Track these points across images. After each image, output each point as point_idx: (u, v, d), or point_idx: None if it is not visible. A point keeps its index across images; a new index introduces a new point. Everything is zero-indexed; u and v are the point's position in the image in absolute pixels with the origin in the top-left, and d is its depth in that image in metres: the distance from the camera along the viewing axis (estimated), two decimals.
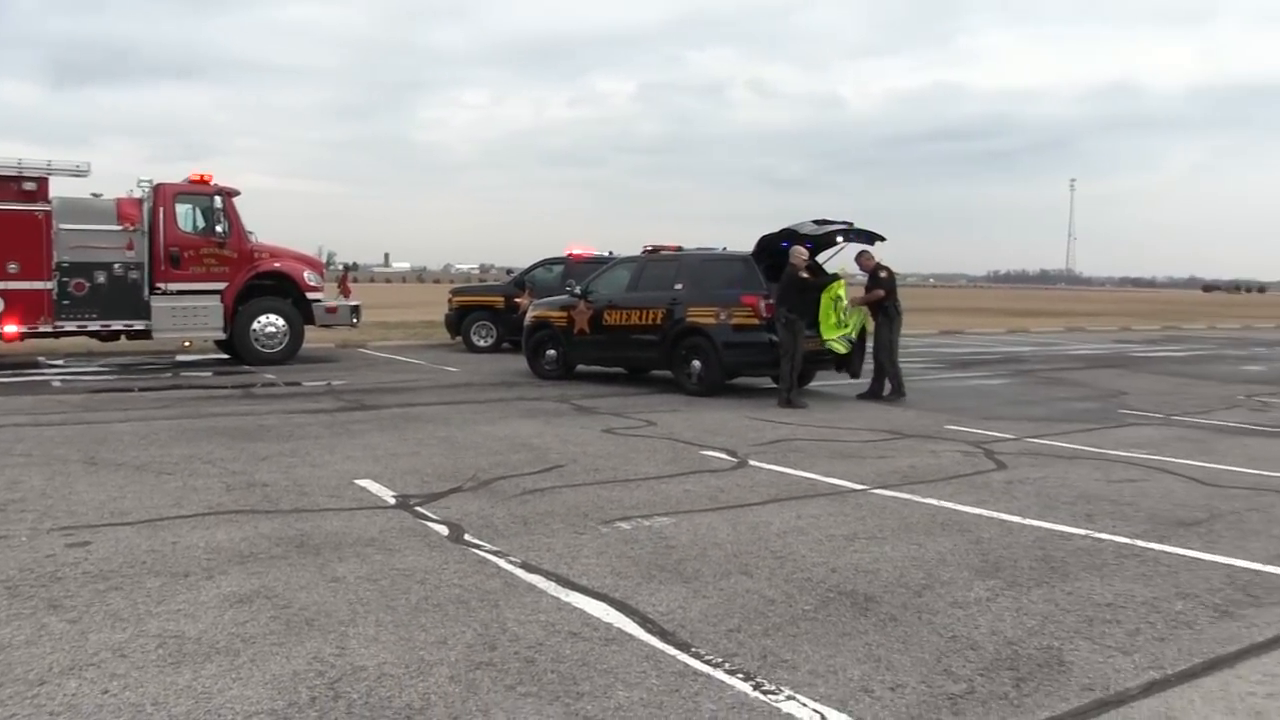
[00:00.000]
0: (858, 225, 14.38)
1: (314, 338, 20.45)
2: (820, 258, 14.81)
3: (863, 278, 14.61)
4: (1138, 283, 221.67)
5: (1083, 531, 6.69)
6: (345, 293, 20.07)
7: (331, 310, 19.09)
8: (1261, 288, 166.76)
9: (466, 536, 6.30)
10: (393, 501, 7.29)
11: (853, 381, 15.03)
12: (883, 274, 14.30)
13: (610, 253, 21.30)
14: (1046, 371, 19.35)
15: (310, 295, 18.82)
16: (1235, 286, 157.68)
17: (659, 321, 14.74)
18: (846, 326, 13.82)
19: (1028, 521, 6.95)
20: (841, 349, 13.83)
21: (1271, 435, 11.30)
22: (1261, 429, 11.78)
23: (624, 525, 6.64)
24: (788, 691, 4.00)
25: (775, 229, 14.25)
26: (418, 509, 7.05)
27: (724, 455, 9.35)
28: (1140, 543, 6.43)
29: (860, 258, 14.45)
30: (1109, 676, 4.22)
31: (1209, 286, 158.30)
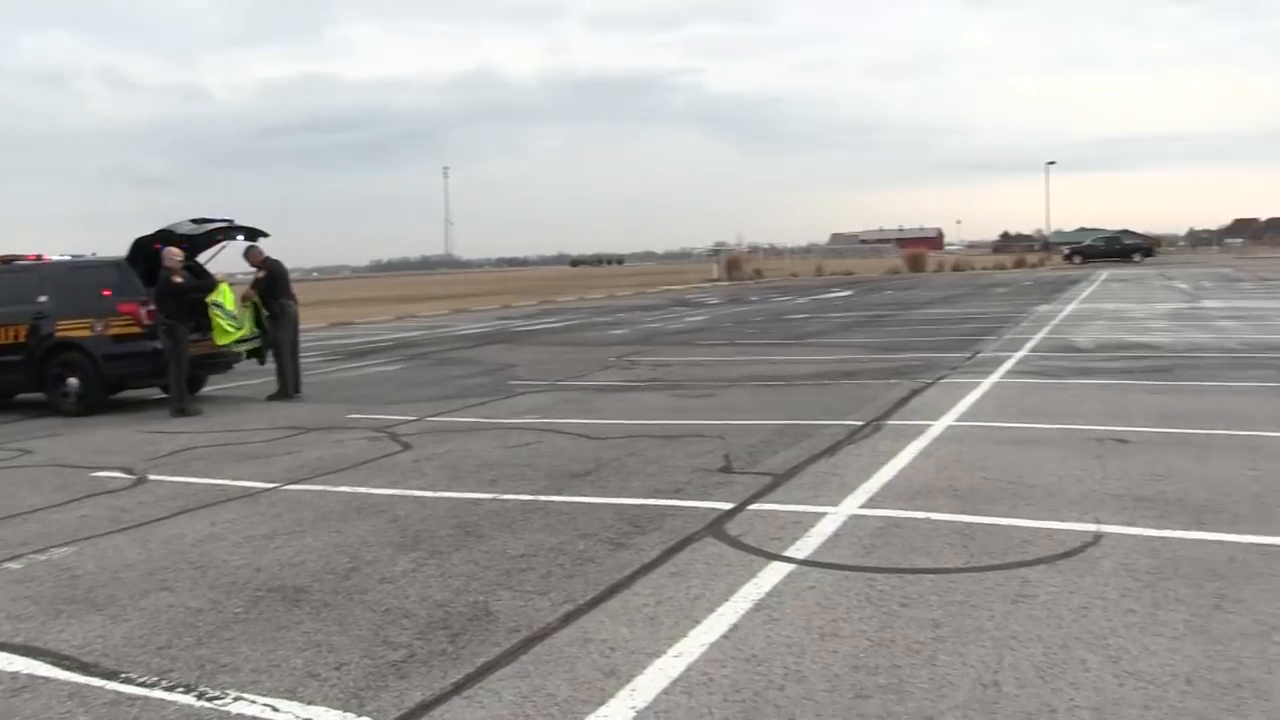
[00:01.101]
0: (238, 222, 14.04)
1: None
2: (203, 258, 14.25)
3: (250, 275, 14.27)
4: (514, 262, 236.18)
5: (490, 496, 7.19)
6: None
7: None
8: (620, 259, 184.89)
9: None
10: None
11: (252, 383, 14.69)
12: (264, 271, 13.95)
13: None
14: (439, 353, 20.20)
15: None
16: (598, 260, 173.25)
17: (23, 339, 13.34)
18: (241, 329, 13.47)
19: (439, 494, 7.33)
20: (244, 350, 13.51)
21: (639, 389, 12.79)
22: (632, 385, 13.28)
23: (14, 565, 6.03)
24: (234, 693, 3.95)
25: (151, 230, 13.48)
26: None
27: (120, 474, 8.77)
28: (542, 497, 7.05)
29: (249, 254, 14.09)
30: (531, 616, 4.65)
31: (576, 261, 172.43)
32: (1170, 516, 5.92)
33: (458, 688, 3.93)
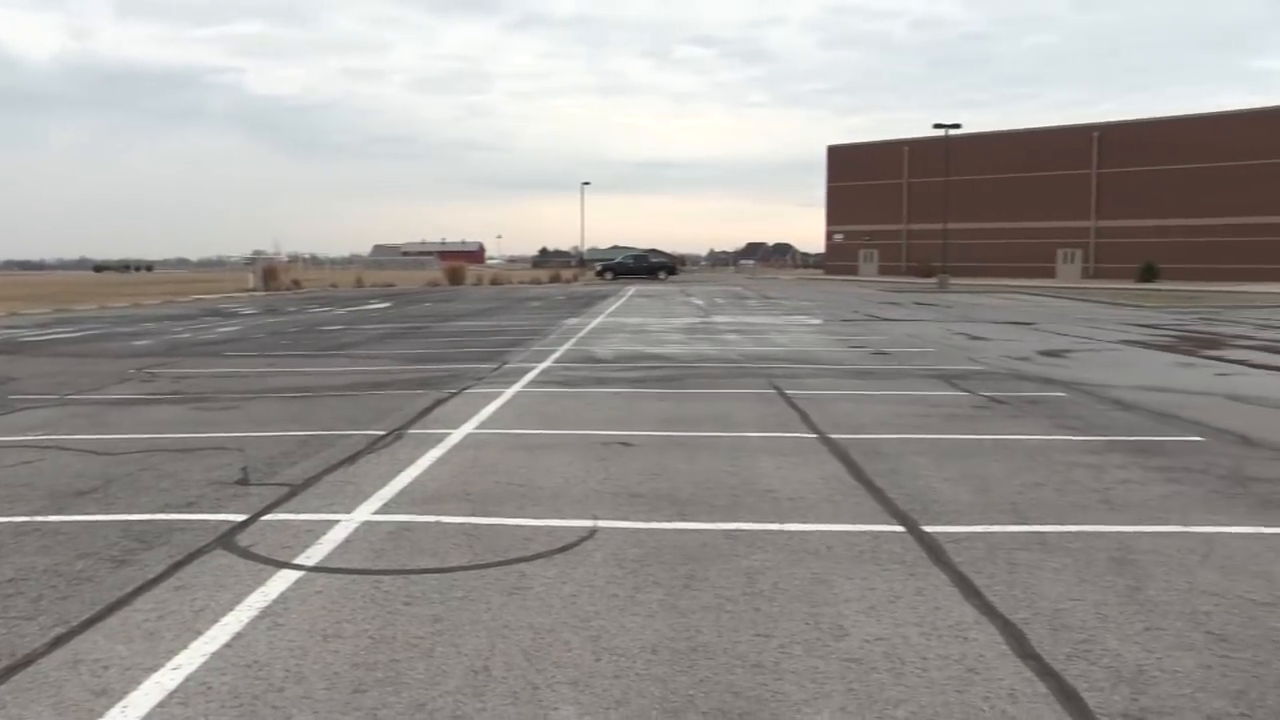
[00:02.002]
0: None
1: None
2: None
3: None
4: (27, 265, 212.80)
5: None
6: None
7: None
8: (149, 266, 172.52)
9: None
10: None
11: None
12: None
13: None
14: None
15: None
16: (125, 266, 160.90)
17: None
18: None
19: None
20: None
21: (159, 402, 12.11)
22: (152, 398, 12.54)
23: None
24: None
25: None
26: None
27: None
28: (39, 518, 6.55)
29: None
30: (14, 644, 4.37)
31: (100, 267, 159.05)
32: (659, 510, 6.57)
33: None
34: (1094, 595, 4.98)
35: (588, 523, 6.22)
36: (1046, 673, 4.06)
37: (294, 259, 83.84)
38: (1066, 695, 3.86)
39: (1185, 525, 6.28)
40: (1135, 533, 6.10)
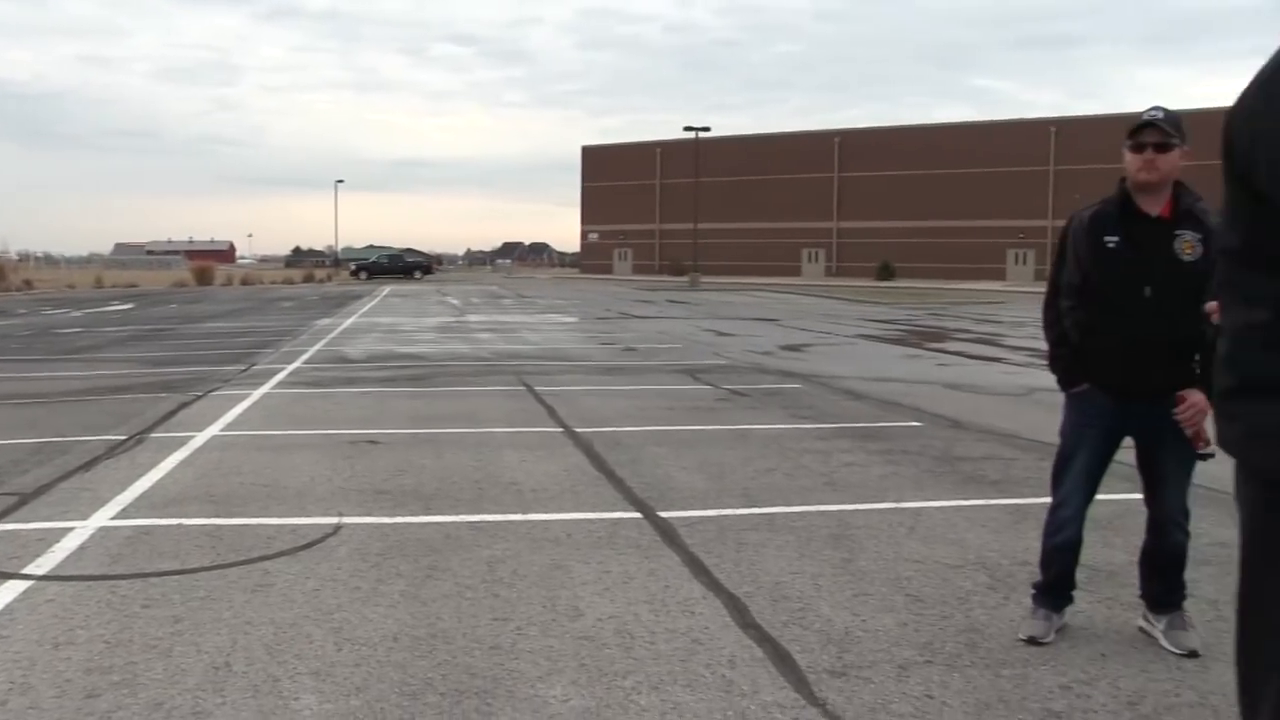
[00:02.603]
0: None
1: None
2: None
3: None
4: None
5: None
6: None
7: None
8: None
9: None
10: None
11: None
12: None
13: None
14: None
15: None
16: None
17: None
18: None
19: None
20: None
21: None
22: None
23: None
24: None
25: None
26: None
27: None
28: None
29: None
30: None
31: None
32: (404, 505, 6.69)
33: None
34: (812, 568, 5.44)
35: (332, 520, 6.28)
36: (765, 639, 4.44)
37: (25, 258, 78.33)
38: (781, 658, 4.24)
39: (898, 502, 6.89)
40: (853, 510, 6.66)
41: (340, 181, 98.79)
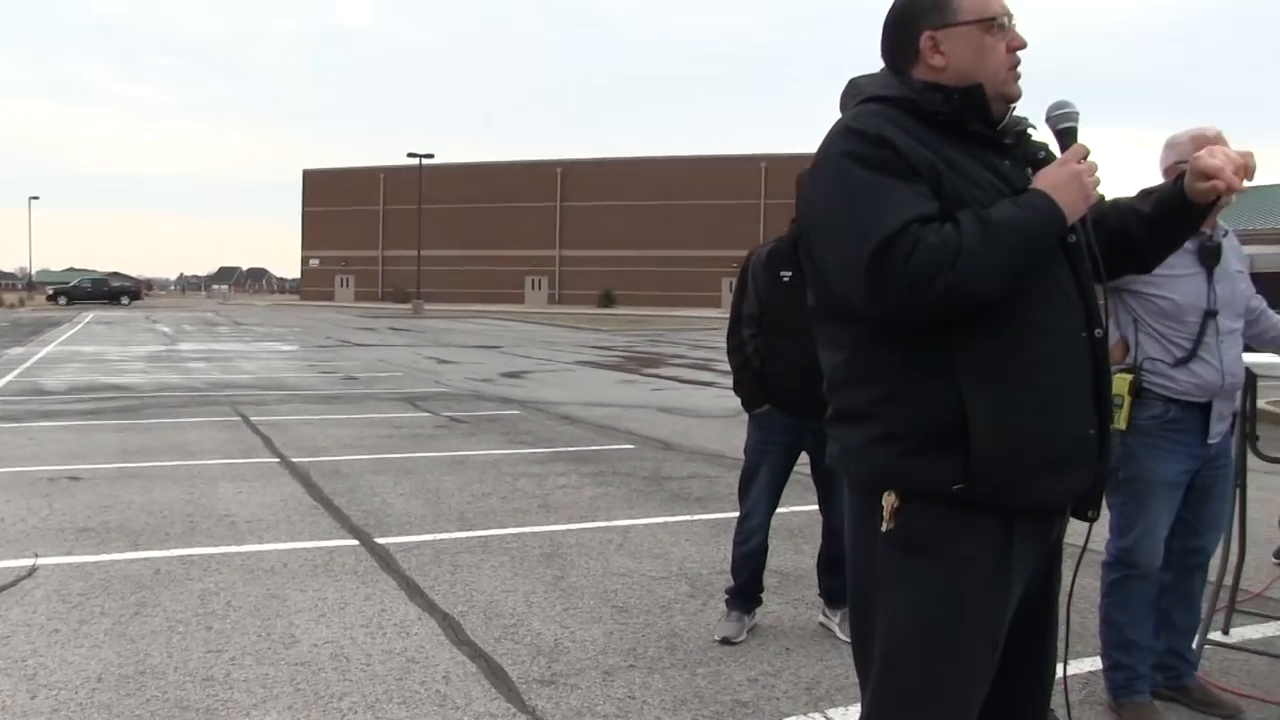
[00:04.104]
0: None
1: None
2: None
3: None
4: None
5: None
6: None
7: None
8: None
9: None
10: None
11: None
12: None
13: None
14: None
15: None
16: None
17: None
18: None
19: None
20: None
21: None
22: None
23: None
24: None
25: None
26: None
27: None
28: None
29: None
30: None
31: None
32: (109, 542, 6.44)
33: None
34: (525, 586, 5.65)
35: (27, 562, 5.98)
36: (478, 655, 4.62)
37: None
38: (493, 671, 4.43)
39: (609, 520, 7.22)
40: (566, 530, 6.93)
41: (35, 198, 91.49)
